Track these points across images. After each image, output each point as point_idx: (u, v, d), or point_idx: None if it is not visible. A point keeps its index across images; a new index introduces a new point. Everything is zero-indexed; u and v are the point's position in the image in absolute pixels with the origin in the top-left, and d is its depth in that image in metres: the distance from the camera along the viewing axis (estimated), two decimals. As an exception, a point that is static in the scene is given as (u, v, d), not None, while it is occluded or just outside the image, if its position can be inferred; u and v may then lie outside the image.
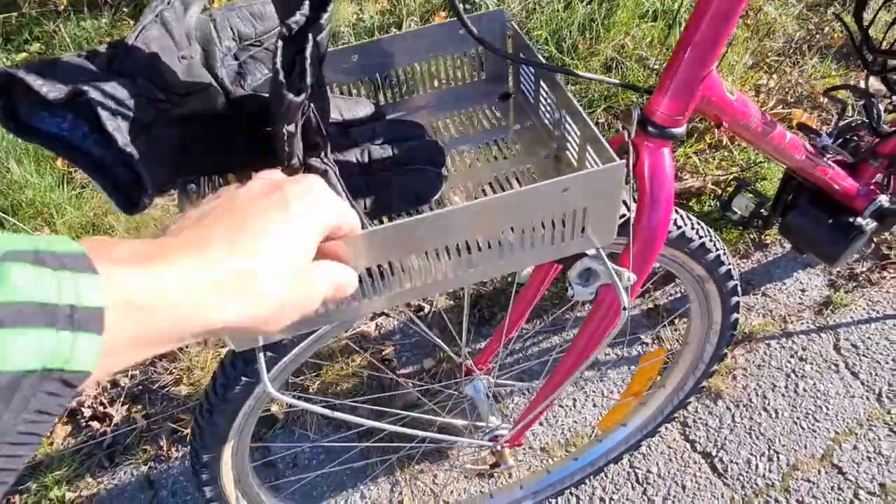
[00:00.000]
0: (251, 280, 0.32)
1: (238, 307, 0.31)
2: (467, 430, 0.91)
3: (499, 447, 0.88)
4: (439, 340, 0.88)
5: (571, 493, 1.20)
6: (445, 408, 1.06)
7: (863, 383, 1.28)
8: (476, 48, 0.66)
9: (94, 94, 0.39)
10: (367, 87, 0.67)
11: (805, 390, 1.29)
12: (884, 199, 1.10)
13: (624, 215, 0.69)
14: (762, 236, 1.54)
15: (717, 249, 0.80)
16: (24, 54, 2.34)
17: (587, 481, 1.20)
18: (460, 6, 0.49)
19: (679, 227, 0.75)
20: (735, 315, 0.90)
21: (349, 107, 0.63)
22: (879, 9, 0.76)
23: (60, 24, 2.43)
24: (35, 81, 0.38)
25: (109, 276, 0.25)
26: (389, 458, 1.22)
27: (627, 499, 1.19)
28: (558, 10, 1.97)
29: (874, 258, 1.48)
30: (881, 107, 0.94)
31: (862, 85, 0.97)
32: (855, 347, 1.34)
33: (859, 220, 1.10)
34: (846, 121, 1.11)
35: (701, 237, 0.77)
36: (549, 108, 0.62)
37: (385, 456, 1.22)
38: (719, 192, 1.55)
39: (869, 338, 1.35)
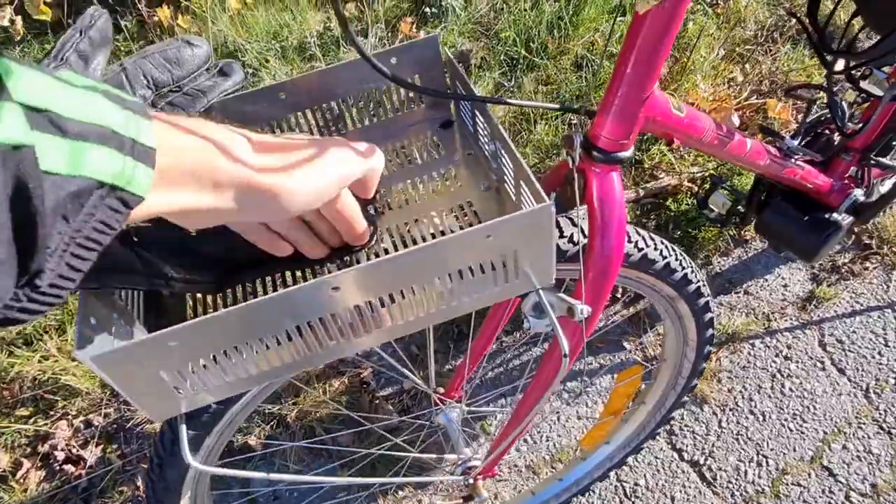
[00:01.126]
0: (285, 152, 0.37)
1: (255, 162, 0.35)
2: (439, 464, 0.88)
3: (471, 480, 0.85)
4: (408, 373, 0.85)
5: (558, 512, 1.17)
6: (420, 437, 1.03)
7: (850, 380, 1.26)
8: (412, 77, 0.63)
9: None
10: (302, 123, 0.63)
11: (791, 390, 1.26)
12: (859, 193, 1.07)
13: (577, 243, 0.66)
14: (741, 233, 1.51)
15: (684, 268, 0.77)
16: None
17: (574, 499, 1.18)
18: (364, 47, 0.45)
19: (641, 249, 0.71)
20: (710, 331, 0.87)
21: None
22: (833, 10, 0.73)
23: (25, 49, 2.38)
24: None
25: (158, 121, 0.30)
26: (370, 488, 1.19)
27: (615, 514, 1.16)
28: (525, 10, 1.93)
29: (856, 248, 1.45)
30: (845, 105, 0.91)
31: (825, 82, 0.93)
32: (840, 343, 1.31)
33: (835, 215, 1.07)
34: (813, 116, 1.08)
35: (665, 257, 0.74)
36: (486, 139, 0.58)
37: (365, 488, 1.19)
38: (696, 189, 1.52)
39: (854, 332, 1.32)
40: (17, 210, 0.24)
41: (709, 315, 0.84)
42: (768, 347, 1.33)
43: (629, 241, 0.69)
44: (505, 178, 0.55)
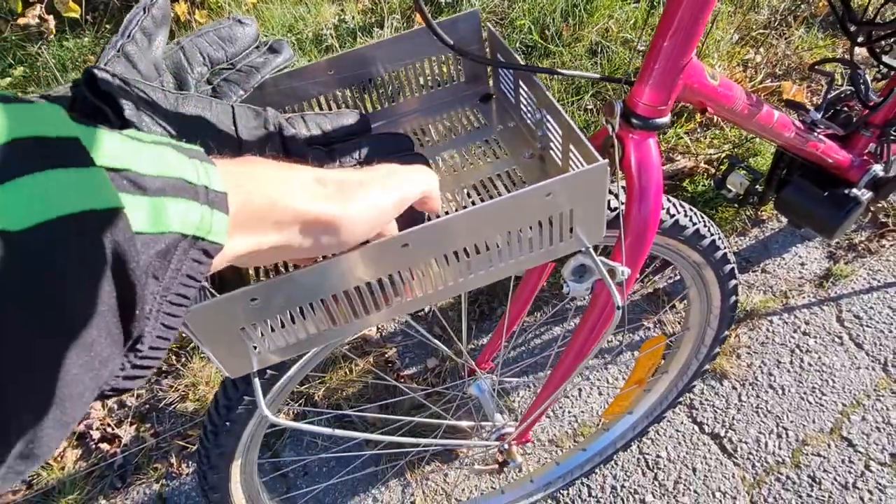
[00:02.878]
0: (341, 182, 0.37)
1: (319, 198, 0.35)
2: (474, 431, 0.91)
3: (506, 446, 0.88)
4: (440, 344, 0.88)
5: (583, 483, 1.20)
6: (451, 409, 1.06)
7: (868, 354, 1.28)
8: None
9: None
10: (348, 98, 0.66)
11: (810, 364, 1.29)
12: (878, 169, 1.09)
13: (615, 208, 0.69)
14: (758, 212, 1.53)
15: (712, 235, 0.79)
16: (8, 79, 2.32)
17: (598, 470, 1.21)
18: (431, 18, 0.48)
19: (672, 216, 0.74)
20: (734, 298, 0.90)
21: (331, 120, 0.62)
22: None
23: (43, 47, 2.41)
24: None
25: (222, 166, 0.30)
26: (399, 462, 1.23)
27: (639, 485, 1.19)
28: (540, -3, 1.95)
29: (872, 227, 1.47)
30: (868, 77, 0.93)
31: (848, 56, 0.96)
32: (858, 318, 1.33)
33: (854, 191, 1.09)
34: (835, 92, 1.10)
35: (695, 224, 0.76)
36: (530, 108, 0.61)
37: (394, 462, 1.23)
38: (712, 170, 1.55)
39: (871, 307, 1.34)
40: (118, 277, 0.23)
41: (733, 282, 0.86)
42: (786, 323, 1.35)
43: (661, 208, 0.71)
44: (551, 144, 0.58)
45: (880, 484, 1.12)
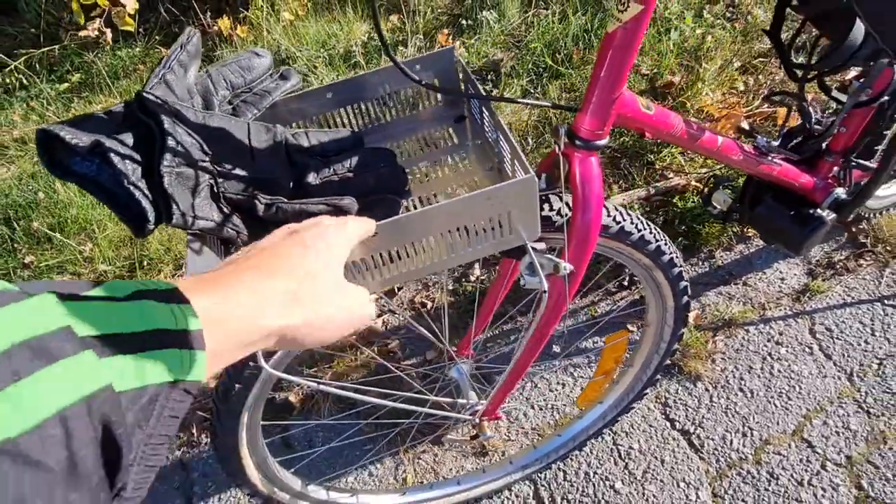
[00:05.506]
0: (292, 294, 0.40)
1: (286, 313, 0.39)
2: (452, 408, 1.04)
3: (477, 420, 1.01)
4: (423, 330, 1.02)
5: (559, 468, 1.31)
6: (435, 389, 1.19)
7: (835, 364, 1.37)
8: (433, 80, 0.80)
9: (109, 143, 0.53)
10: (344, 117, 0.81)
11: (780, 371, 1.38)
12: (840, 192, 1.19)
13: (566, 215, 0.82)
14: (744, 229, 1.62)
15: (658, 240, 0.91)
16: (66, 84, 2.56)
17: (573, 457, 1.32)
18: (401, 62, 0.62)
19: (619, 223, 0.86)
20: (686, 298, 1.01)
21: (329, 136, 0.76)
22: (798, 32, 0.86)
23: (99, 55, 2.65)
24: (66, 136, 0.53)
25: (196, 302, 0.33)
26: (389, 432, 1.36)
27: (610, 473, 1.30)
28: (554, 23, 2.09)
29: (851, 246, 1.55)
30: (811, 110, 1.04)
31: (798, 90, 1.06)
32: (829, 331, 1.42)
33: (818, 211, 1.19)
34: (799, 123, 1.20)
35: (640, 230, 0.88)
36: (490, 129, 0.74)
37: (385, 431, 1.36)
38: (702, 188, 1.65)
39: (843, 321, 1.42)
40: (105, 447, 0.25)
41: (683, 283, 0.97)
42: (761, 333, 1.44)
43: (608, 216, 0.84)
44: (504, 160, 0.71)
45: (833, 482, 1.20)
